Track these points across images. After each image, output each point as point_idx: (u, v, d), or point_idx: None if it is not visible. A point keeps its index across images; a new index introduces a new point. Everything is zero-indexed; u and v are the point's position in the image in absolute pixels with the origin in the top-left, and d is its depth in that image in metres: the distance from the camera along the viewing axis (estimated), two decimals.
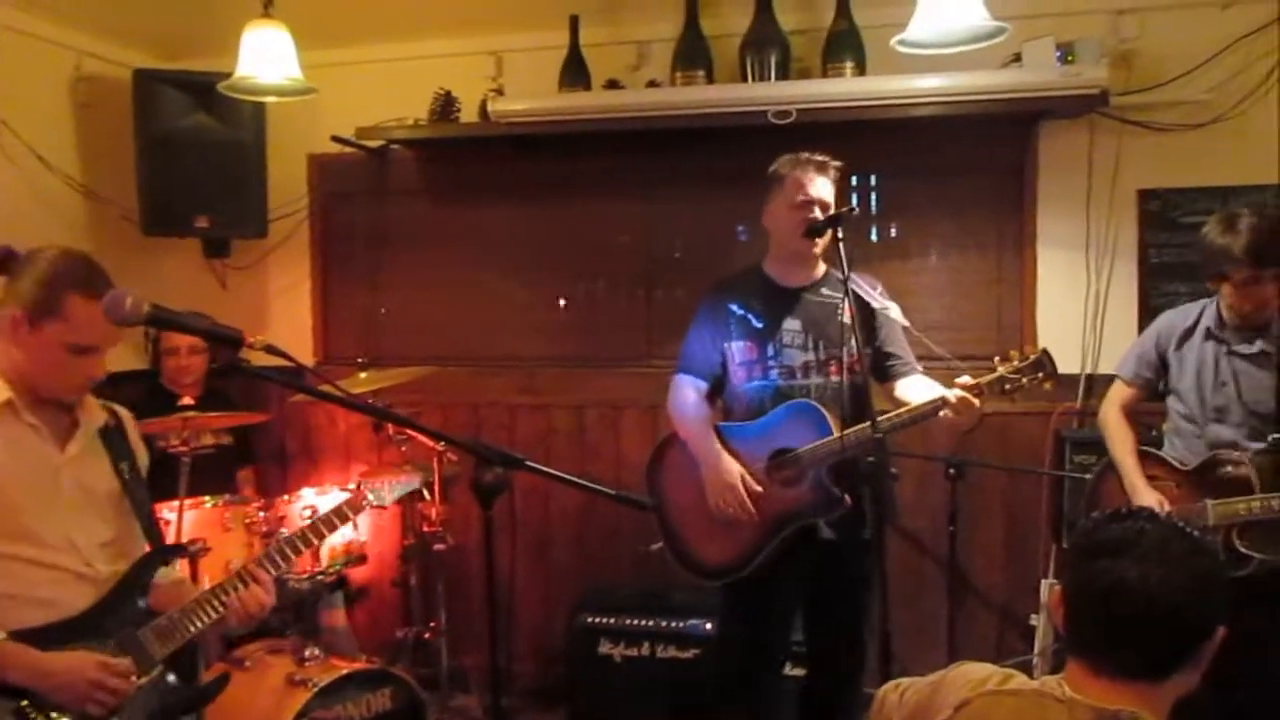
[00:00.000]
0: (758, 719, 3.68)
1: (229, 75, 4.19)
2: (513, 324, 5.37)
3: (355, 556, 4.46)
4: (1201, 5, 4.49)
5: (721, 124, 4.62)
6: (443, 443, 4.45)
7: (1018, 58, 4.36)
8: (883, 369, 3.65)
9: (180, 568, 3.29)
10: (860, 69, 4.59)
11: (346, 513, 3.36)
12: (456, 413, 5.41)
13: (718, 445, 3.58)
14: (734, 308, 3.65)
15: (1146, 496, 3.69)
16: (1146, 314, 4.57)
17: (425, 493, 4.60)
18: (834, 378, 3.53)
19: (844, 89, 4.51)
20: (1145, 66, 4.55)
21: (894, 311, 3.61)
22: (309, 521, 3.25)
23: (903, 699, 2.07)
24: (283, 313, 5.61)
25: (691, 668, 4.49)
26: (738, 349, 3.63)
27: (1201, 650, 1.77)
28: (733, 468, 3.52)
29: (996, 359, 3.37)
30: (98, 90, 5.18)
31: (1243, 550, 3.48)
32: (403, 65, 5.25)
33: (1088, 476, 4.10)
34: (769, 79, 4.64)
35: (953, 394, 3.30)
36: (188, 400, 4.31)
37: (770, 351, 3.57)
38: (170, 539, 3.80)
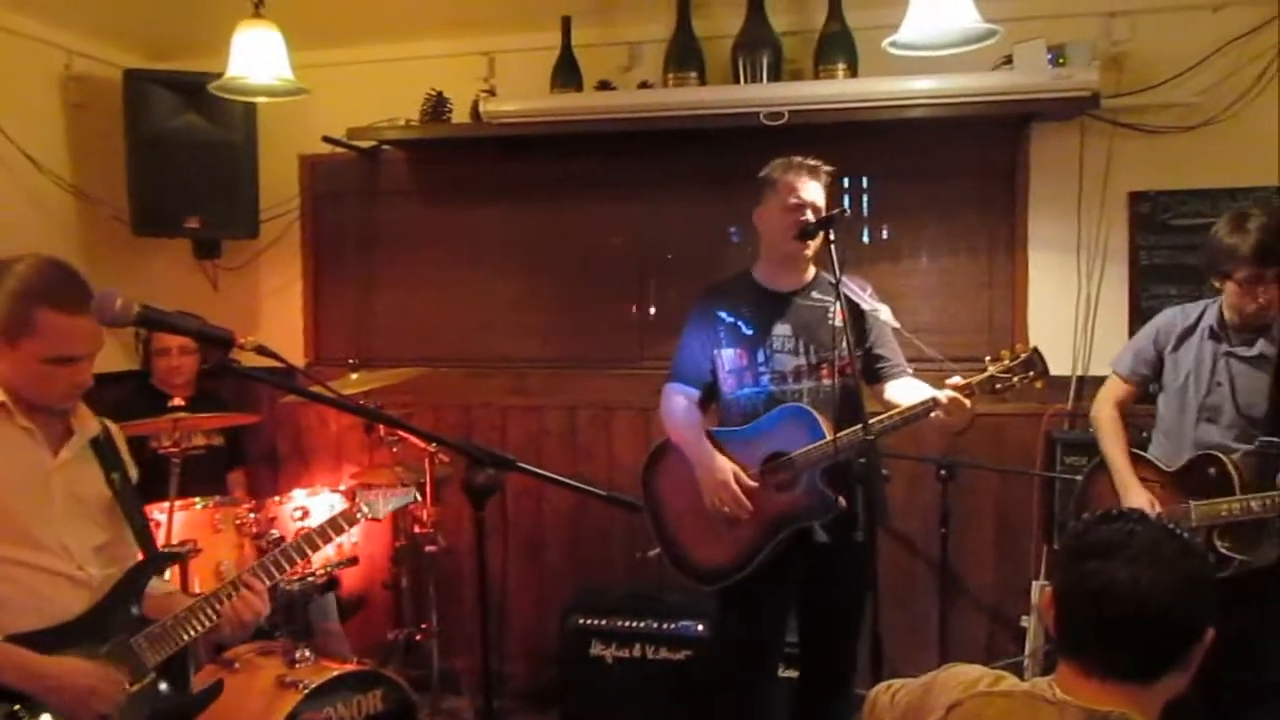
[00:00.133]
0: None
1: (220, 75, 4.18)
2: (504, 325, 5.36)
3: (346, 558, 4.45)
4: (1193, 8, 4.49)
5: (713, 125, 4.61)
6: (434, 444, 4.45)
7: (1009, 60, 4.37)
8: (873, 371, 3.66)
9: (170, 576, 3.29)
10: (852, 70, 4.60)
11: (342, 524, 3.37)
12: (448, 414, 5.40)
13: (709, 446, 3.58)
14: (723, 315, 3.65)
15: (1138, 496, 3.70)
16: (1137, 316, 4.58)
17: (417, 494, 4.58)
18: (826, 381, 3.54)
19: (836, 90, 4.52)
20: (1136, 69, 4.55)
21: (884, 313, 3.62)
22: (305, 532, 3.24)
23: (894, 700, 2.07)
24: (274, 313, 5.60)
25: (683, 669, 4.50)
26: (727, 357, 3.63)
27: (1191, 652, 1.77)
28: (725, 465, 3.52)
29: (987, 359, 3.38)
30: (88, 90, 5.17)
31: (1223, 551, 3.50)
32: (394, 66, 5.24)
33: (1079, 478, 4.11)
34: (761, 80, 4.64)
35: (944, 395, 3.31)
36: (178, 401, 4.30)
37: (761, 357, 3.58)
38: (160, 540, 3.79)
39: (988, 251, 4.84)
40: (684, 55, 4.76)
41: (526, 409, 5.34)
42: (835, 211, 3.42)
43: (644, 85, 4.84)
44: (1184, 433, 3.71)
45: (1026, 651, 4.59)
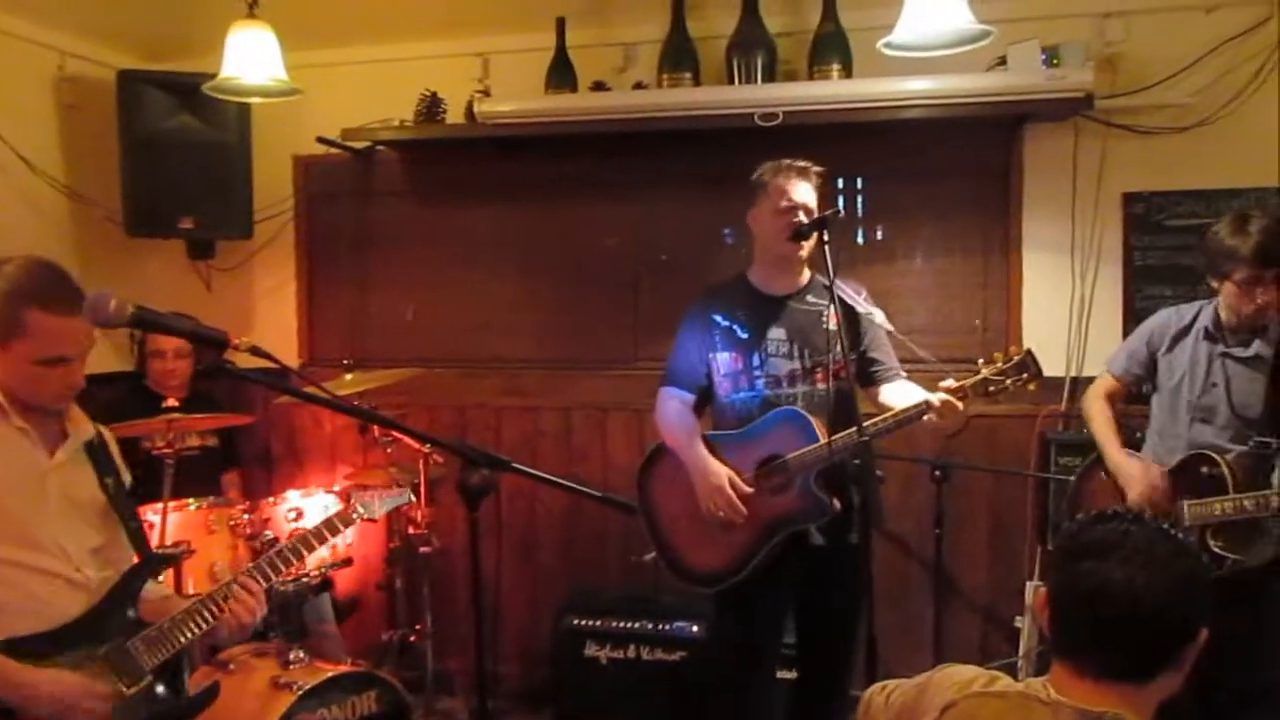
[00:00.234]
0: None
1: (214, 76, 4.18)
2: (499, 326, 5.36)
3: (341, 559, 4.45)
4: (1187, 8, 4.50)
5: (708, 126, 4.61)
6: (429, 444, 4.45)
7: (1003, 61, 4.37)
8: (867, 374, 3.66)
9: (164, 578, 3.29)
10: (846, 71, 4.60)
11: (337, 525, 3.36)
12: (442, 414, 5.40)
13: (704, 450, 3.58)
14: (719, 319, 3.65)
15: (1129, 465, 3.73)
16: (1131, 317, 4.59)
17: (411, 495, 4.58)
18: (820, 385, 3.54)
19: (830, 91, 4.52)
20: (1130, 69, 4.56)
21: (878, 317, 3.62)
22: (301, 534, 3.23)
23: (889, 701, 2.07)
24: (268, 314, 5.60)
25: (678, 670, 4.49)
26: (723, 361, 3.63)
27: (1185, 652, 1.77)
28: (720, 470, 3.52)
29: (981, 361, 3.38)
30: (82, 91, 5.16)
31: (1217, 551, 3.50)
32: (388, 66, 5.24)
33: (1073, 478, 4.11)
34: (755, 81, 4.65)
35: (936, 398, 3.31)
36: (172, 402, 4.29)
37: (756, 361, 3.57)
38: (154, 541, 3.78)
39: (982, 252, 4.85)
40: (678, 56, 4.76)
41: (521, 410, 5.34)
42: (829, 212, 3.42)
43: (639, 86, 4.84)
44: (1178, 433, 3.72)
45: (1020, 652, 4.60)
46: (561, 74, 4.87)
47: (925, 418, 3.33)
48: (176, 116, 5.01)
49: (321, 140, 5.16)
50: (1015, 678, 1.92)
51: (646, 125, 4.67)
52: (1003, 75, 4.36)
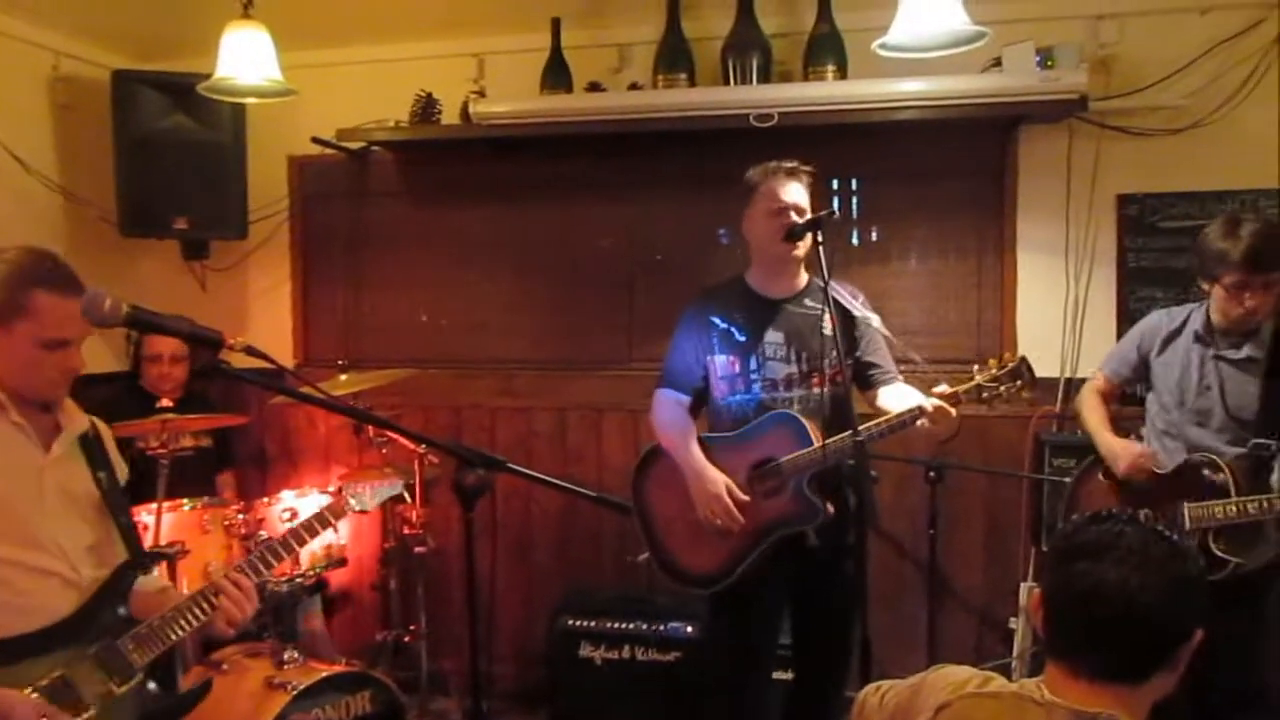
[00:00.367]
0: None
1: (208, 76, 4.17)
2: (494, 326, 5.36)
3: (335, 559, 4.45)
4: (1180, 11, 4.51)
5: (703, 127, 4.61)
6: (423, 445, 4.45)
7: (998, 62, 4.38)
8: (865, 378, 3.65)
9: (161, 573, 3.28)
10: (841, 72, 4.61)
11: (328, 518, 3.34)
12: (437, 415, 5.40)
13: (701, 456, 3.57)
14: (716, 320, 3.64)
15: (1114, 444, 3.77)
16: (1125, 318, 4.59)
17: (406, 495, 4.59)
18: (816, 389, 3.54)
19: (825, 92, 4.52)
20: (1124, 71, 4.57)
21: (875, 321, 3.62)
22: (290, 527, 3.22)
23: (883, 701, 2.07)
24: (262, 314, 5.60)
25: (672, 671, 4.50)
26: (720, 363, 3.63)
27: (1179, 653, 1.78)
28: (717, 478, 3.51)
29: (975, 367, 3.37)
30: (76, 91, 5.15)
31: (1219, 554, 3.50)
32: (384, 67, 5.24)
33: (1067, 480, 4.12)
34: (750, 82, 4.65)
35: (930, 403, 3.31)
36: (166, 402, 4.29)
37: (753, 365, 3.57)
38: (149, 542, 3.78)
39: (976, 253, 4.85)
40: (673, 57, 4.76)
41: (516, 410, 5.34)
42: (823, 213, 3.42)
43: (634, 87, 4.84)
44: (1175, 435, 3.73)
45: (1014, 653, 4.61)
46: (557, 75, 4.88)
47: (919, 422, 3.33)
48: (171, 116, 5.00)
49: (316, 140, 5.16)
50: (1009, 678, 1.92)
51: (642, 126, 4.67)
52: (997, 77, 4.37)
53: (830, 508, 3.41)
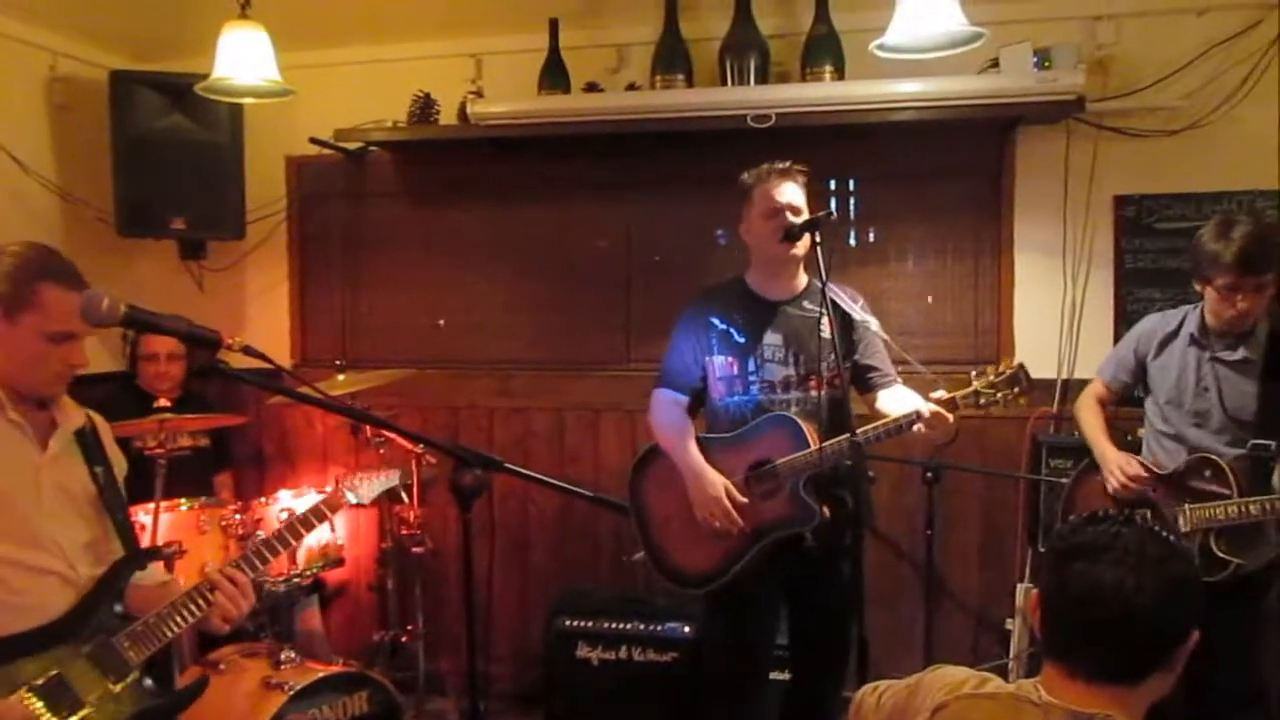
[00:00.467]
0: None
1: (206, 76, 4.18)
2: (491, 326, 5.36)
3: (332, 559, 4.45)
4: (1177, 12, 4.51)
5: (701, 127, 4.61)
6: (421, 445, 4.45)
7: (995, 63, 4.39)
8: (864, 381, 3.65)
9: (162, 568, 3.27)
10: (839, 73, 4.61)
11: (324, 511, 3.33)
12: (435, 415, 5.40)
13: (700, 458, 3.56)
14: (715, 321, 3.63)
15: (1111, 460, 3.77)
16: (1122, 319, 4.60)
17: (403, 495, 4.59)
18: (813, 392, 3.53)
19: (823, 93, 4.52)
20: (1121, 72, 4.57)
21: (874, 325, 3.62)
22: (287, 522, 3.21)
23: (880, 702, 2.08)
24: (260, 315, 5.59)
25: (669, 671, 4.49)
26: (719, 364, 3.62)
27: (1176, 654, 1.78)
28: (716, 480, 3.51)
29: (973, 373, 3.37)
30: (73, 91, 5.15)
31: (1220, 555, 3.50)
32: (381, 67, 5.24)
33: (1064, 481, 4.12)
34: (748, 83, 4.65)
35: (927, 408, 3.31)
36: (164, 402, 4.29)
37: (752, 366, 3.56)
38: (146, 542, 3.78)
39: (973, 254, 4.86)
40: (671, 57, 4.76)
41: (513, 410, 5.34)
42: (821, 214, 3.41)
43: (631, 87, 4.84)
44: (1175, 437, 3.73)
45: (1011, 654, 4.61)
46: (554, 75, 4.88)
47: (915, 428, 3.33)
48: (168, 117, 5.00)
49: (314, 141, 5.16)
50: (1006, 679, 1.93)
51: (639, 126, 4.67)
52: (994, 78, 4.37)
53: (826, 511, 3.41)
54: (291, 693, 3.71)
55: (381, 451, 4.64)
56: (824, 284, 3.33)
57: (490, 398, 5.35)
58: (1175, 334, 3.76)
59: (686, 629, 4.48)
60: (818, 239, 3.37)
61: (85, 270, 2.66)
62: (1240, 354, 3.61)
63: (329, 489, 3.66)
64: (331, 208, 5.50)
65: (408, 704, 4.33)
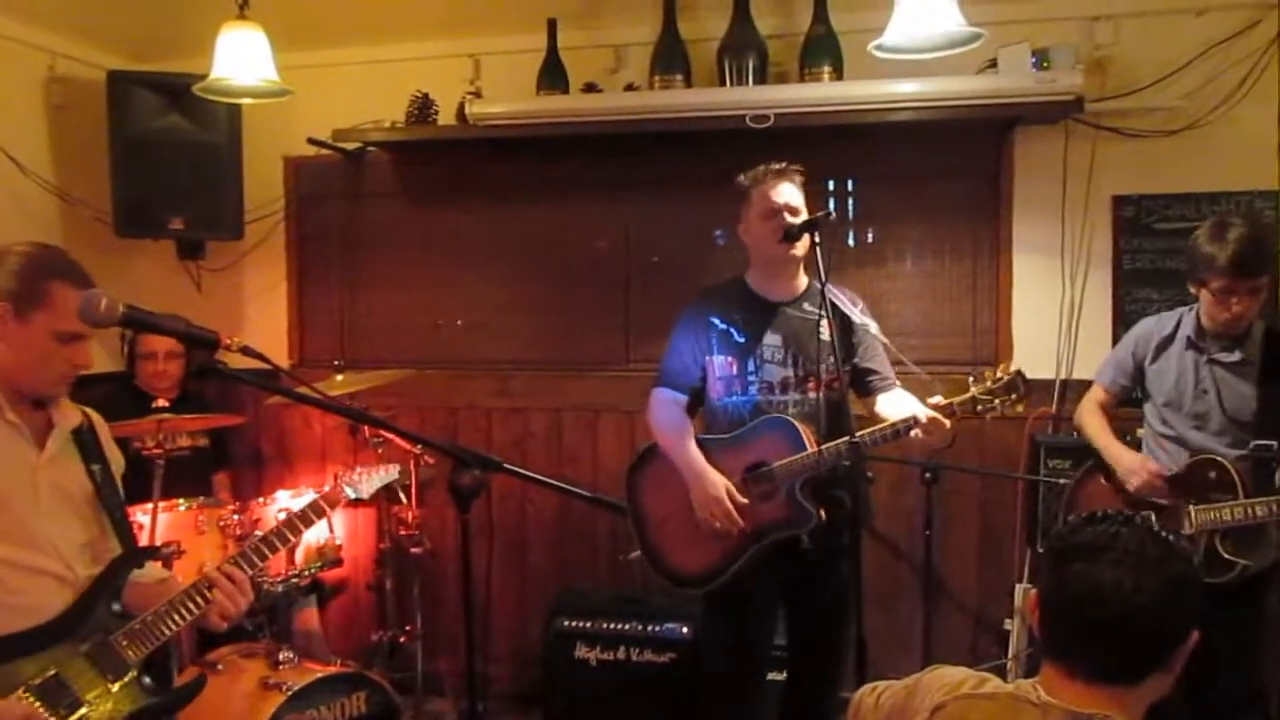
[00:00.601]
0: None
1: (204, 77, 4.17)
2: (490, 327, 5.36)
3: (330, 559, 4.45)
4: (1176, 12, 4.51)
5: (699, 128, 4.61)
6: (419, 445, 4.45)
7: (993, 64, 4.39)
8: (863, 384, 3.65)
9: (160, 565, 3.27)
10: (837, 74, 4.61)
11: (323, 507, 3.33)
12: (433, 416, 5.39)
13: (701, 458, 3.56)
14: (716, 321, 3.63)
15: (1128, 459, 3.75)
16: (1121, 320, 4.60)
17: (401, 495, 4.59)
18: (812, 394, 3.53)
19: (821, 94, 4.52)
20: (1120, 73, 4.57)
21: (874, 329, 3.62)
22: (286, 519, 3.20)
23: (879, 702, 2.07)
24: (258, 315, 5.59)
25: (668, 672, 4.49)
26: (718, 363, 3.62)
27: (1175, 654, 1.78)
28: (718, 481, 3.50)
29: (970, 379, 3.37)
30: (71, 92, 5.15)
31: (1227, 556, 3.50)
32: (380, 67, 5.24)
33: (1062, 481, 4.13)
34: (747, 83, 4.65)
35: (924, 414, 3.31)
36: (162, 402, 4.29)
37: (751, 366, 3.56)
38: (144, 542, 3.78)
39: (972, 255, 4.85)
40: (670, 58, 4.76)
41: (511, 411, 5.34)
42: (820, 214, 3.42)
43: (630, 88, 4.84)
44: (1174, 439, 3.73)
45: (1010, 654, 4.61)
46: (553, 75, 4.87)
47: (912, 433, 3.33)
48: (166, 117, 4.99)
49: (312, 141, 5.15)
50: (1004, 680, 1.93)
51: (638, 127, 4.67)
52: (993, 78, 4.37)
53: (823, 514, 3.41)
54: (289, 693, 3.71)
55: (380, 452, 4.63)
56: (824, 285, 3.33)
57: (489, 398, 5.35)
58: (1172, 337, 3.76)
59: (685, 629, 4.48)
60: (817, 239, 3.37)
61: None
62: (1237, 356, 3.61)
63: (328, 487, 3.65)
64: (330, 208, 5.50)
65: (406, 705, 4.32)
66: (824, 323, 3.44)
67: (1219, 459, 3.57)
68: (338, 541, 4.51)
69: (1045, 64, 4.33)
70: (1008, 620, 4.69)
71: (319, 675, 3.84)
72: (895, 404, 3.52)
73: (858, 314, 3.61)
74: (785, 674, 3.89)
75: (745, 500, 3.48)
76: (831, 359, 3.43)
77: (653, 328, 4.83)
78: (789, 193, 3.51)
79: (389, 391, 4.80)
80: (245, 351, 2.47)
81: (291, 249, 5.56)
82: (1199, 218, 4.32)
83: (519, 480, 2.63)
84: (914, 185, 4.87)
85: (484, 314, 5.36)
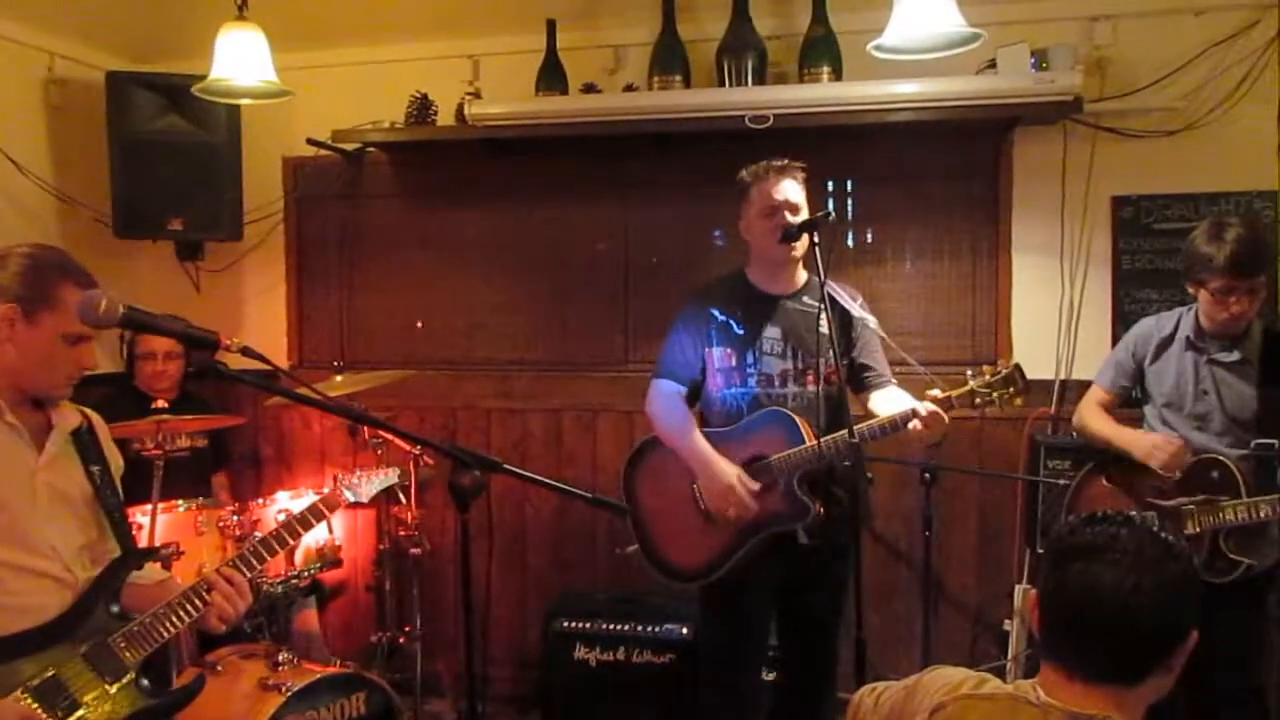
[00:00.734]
0: None
1: (203, 77, 4.17)
2: (489, 327, 5.35)
3: (330, 560, 4.45)
4: (1174, 12, 4.51)
5: (698, 129, 4.61)
6: (419, 446, 4.45)
7: (992, 64, 4.39)
8: (859, 379, 3.65)
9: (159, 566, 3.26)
10: (836, 74, 4.61)
11: (323, 510, 3.32)
12: (432, 416, 5.39)
13: (708, 446, 3.54)
14: (716, 313, 3.63)
15: (1145, 439, 3.73)
16: (1120, 320, 4.60)
17: (401, 496, 4.59)
18: (810, 387, 3.54)
19: (820, 94, 4.52)
20: (1119, 73, 4.57)
21: (873, 323, 3.62)
22: (285, 521, 3.20)
23: (878, 703, 2.08)
24: (257, 316, 5.59)
25: (667, 673, 4.49)
26: (718, 355, 3.62)
27: (1174, 654, 1.78)
28: (729, 469, 3.49)
29: (969, 372, 3.38)
30: (70, 93, 5.15)
31: (1231, 556, 3.50)
32: (379, 68, 5.24)
33: (1062, 482, 4.12)
34: (746, 84, 4.65)
35: (923, 407, 3.31)
36: (161, 403, 4.28)
37: (750, 359, 3.57)
38: (143, 543, 3.78)
39: (971, 255, 4.85)
40: (669, 58, 4.76)
41: (510, 412, 5.33)
42: (820, 215, 3.43)
43: (629, 88, 4.85)
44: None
45: (1009, 655, 4.60)
46: (552, 76, 4.87)
47: (911, 425, 3.33)
48: (165, 118, 5.00)
49: (311, 142, 5.15)
50: (1004, 680, 1.93)
51: (637, 128, 4.67)
52: (992, 78, 4.37)
53: (820, 508, 3.41)
54: (289, 694, 3.71)
55: (379, 452, 4.63)
56: (823, 283, 3.34)
57: (488, 399, 5.35)
58: (1171, 337, 3.76)
59: (684, 630, 4.47)
60: (816, 240, 3.37)
61: None
62: (1236, 355, 3.61)
63: (327, 489, 3.65)
64: (329, 209, 5.50)
65: (405, 705, 4.31)
66: (823, 317, 3.44)
67: (1221, 459, 3.57)
68: (337, 542, 4.51)
69: (1044, 64, 4.33)
70: (1007, 621, 4.68)
71: (318, 676, 3.83)
72: (890, 401, 3.53)
73: (856, 308, 3.62)
74: (777, 677, 3.89)
75: (757, 486, 3.47)
76: (830, 353, 3.43)
77: (652, 328, 4.83)
78: (790, 190, 3.51)
79: (388, 392, 4.79)
80: (245, 352, 2.47)
81: (291, 250, 5.56)
82: (1198, 218, 4.32)
83: (518, 481, 2.62)
84: (913, 185, 4.87)
85: (483, 315, 5.35)
